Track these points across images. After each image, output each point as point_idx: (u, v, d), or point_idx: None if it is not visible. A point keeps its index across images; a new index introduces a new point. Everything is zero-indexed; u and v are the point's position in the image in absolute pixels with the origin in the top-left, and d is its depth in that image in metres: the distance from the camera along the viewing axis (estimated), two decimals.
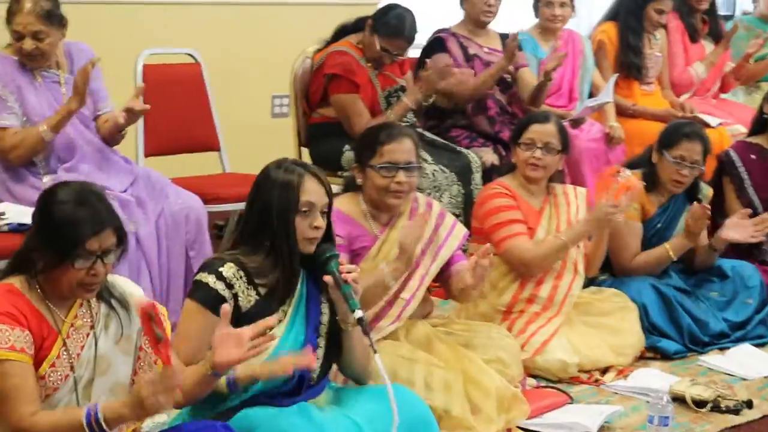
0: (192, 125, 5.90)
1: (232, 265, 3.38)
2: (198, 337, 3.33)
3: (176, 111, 5.81)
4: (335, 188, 4.48)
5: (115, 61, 5.45)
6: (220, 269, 3.37)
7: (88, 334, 3.11)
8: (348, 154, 5.74)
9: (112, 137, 4.87)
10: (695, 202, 5.19)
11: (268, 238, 3.41)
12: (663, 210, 5.34)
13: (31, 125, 4.68)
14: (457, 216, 5.52)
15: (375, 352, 3.37)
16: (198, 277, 3.40)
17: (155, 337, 2.89)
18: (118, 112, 4.77)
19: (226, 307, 3.16)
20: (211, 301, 3.32)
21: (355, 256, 4.26)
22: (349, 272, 3.43)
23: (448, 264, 4.46)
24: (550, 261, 4.85)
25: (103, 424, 2.92)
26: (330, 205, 3.50)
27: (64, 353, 3.05)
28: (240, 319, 3.32)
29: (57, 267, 3.01)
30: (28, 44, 4.65)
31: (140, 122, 5.61)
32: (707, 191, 5.47)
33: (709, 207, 5.19)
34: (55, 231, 3.01)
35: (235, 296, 3.36)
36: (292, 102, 6.15)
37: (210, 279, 3.35)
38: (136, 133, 5.66)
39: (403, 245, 4.10)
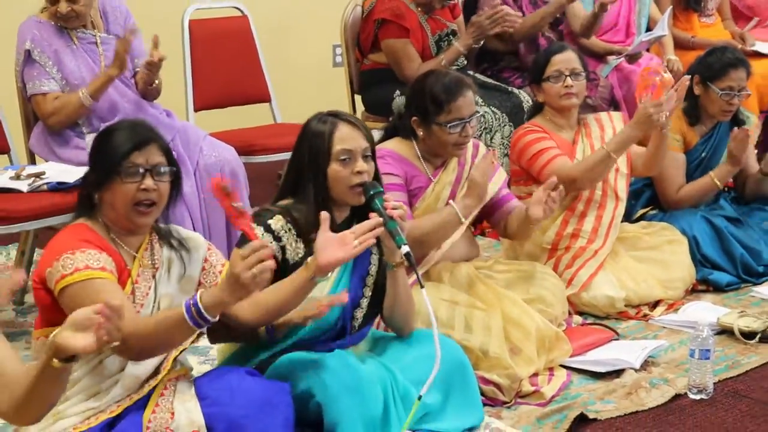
0: (242, 78, 5.91)
1: (280, 217, 3.39)
2: None
3: (225, 65, 5.84)
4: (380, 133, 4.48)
5: (160, 17, 5.47)
6: (269, 221, 3.38)
7: (154, 275, 3.15)
8: (399, 100, 5.71)
9: (146, 91, 4.90)
10: (736, 127, 5.12)
11: (308, 189, 3.42)
12: (706, 139, 5.26)
13: (71, 88, 4.71)
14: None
15: (422, 286, 3.30)
16: None
17: (235, 210, 2.92)
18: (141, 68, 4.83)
19: (325, 214, 3.18)
20: None
21: (412, 197, 4.27)
22: (394, 208, 3.38)
23: (498, 204, 4.44)
24: (596, 173, 4.72)
25: (204, 311, 2.88)
26: (373, 150, 3.49)
27: (136, 290, 3.10)
28: (287, 271, 3.32)
29: (108, 186, 3.07)
30: (63, 6, 4.68)
31: (188, 77, 5.67)
32: (753, 118, 5.35)
33: (750, 129, 5.09)
34: (103, 151, 3.11)
35: (283, 249, 3.38)
36: (344, 50, 6.14)
37: (258, 231, 3.31)
38: (185, 87, 5.70)
39: (474, 181, 4.14)
